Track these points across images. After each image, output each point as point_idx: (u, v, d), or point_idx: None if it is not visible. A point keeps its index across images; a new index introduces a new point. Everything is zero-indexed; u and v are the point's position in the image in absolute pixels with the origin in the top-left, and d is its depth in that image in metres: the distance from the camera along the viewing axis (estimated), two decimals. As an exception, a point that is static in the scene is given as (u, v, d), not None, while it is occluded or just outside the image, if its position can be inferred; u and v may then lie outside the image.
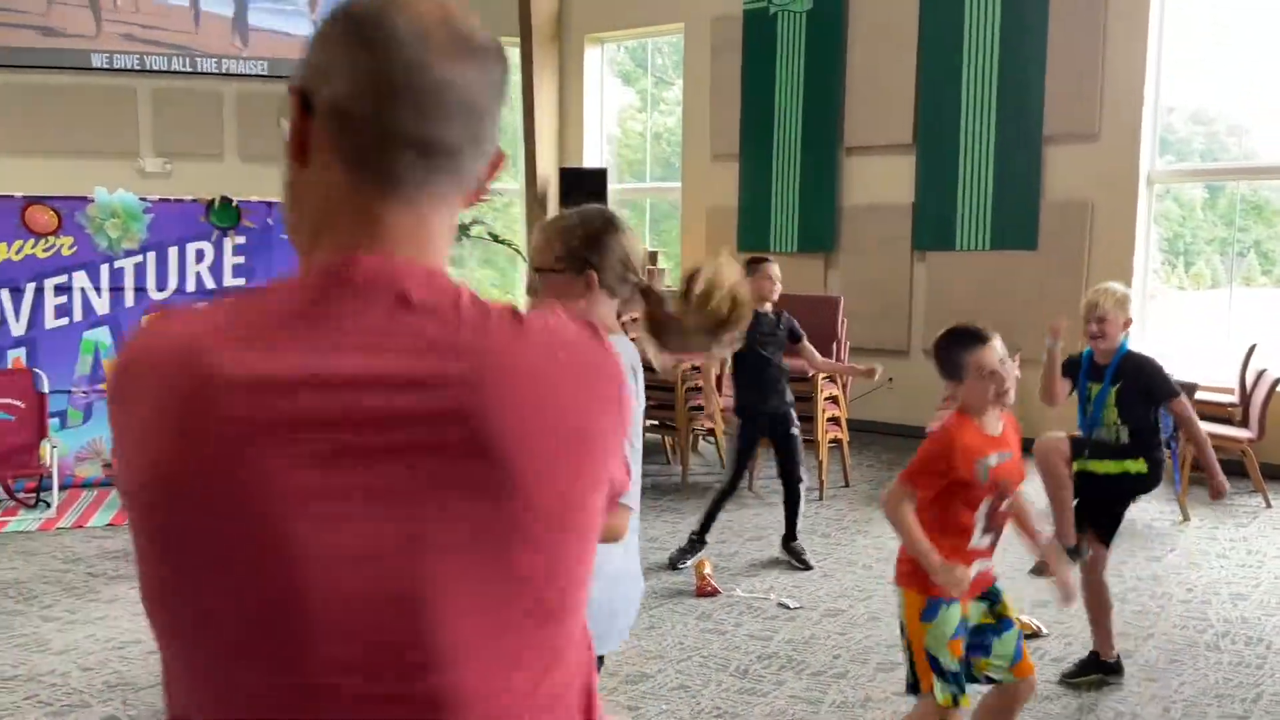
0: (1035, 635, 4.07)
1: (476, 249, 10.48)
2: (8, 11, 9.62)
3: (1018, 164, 7.60)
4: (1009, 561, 5.06)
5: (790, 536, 4.99)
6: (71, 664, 3.78)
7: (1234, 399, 6.50)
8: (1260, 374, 6.34)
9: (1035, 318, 7.32)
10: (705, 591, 4.52)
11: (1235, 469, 6.11)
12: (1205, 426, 5.94)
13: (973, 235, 7.79)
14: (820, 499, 6.16)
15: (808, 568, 4.88)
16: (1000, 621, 2.75)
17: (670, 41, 10.33)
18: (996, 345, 2.67)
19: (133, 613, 4.29)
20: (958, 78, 7.79)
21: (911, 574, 2.69)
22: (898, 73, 8.05)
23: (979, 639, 2.74)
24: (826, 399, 6.32)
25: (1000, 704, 2.81)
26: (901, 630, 2.76)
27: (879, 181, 8.18)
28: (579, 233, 2.05)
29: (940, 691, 2.64)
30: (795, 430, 5.00)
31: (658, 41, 10.43)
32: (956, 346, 2.69)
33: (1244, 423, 6.31)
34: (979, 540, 2.68)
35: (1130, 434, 3.64)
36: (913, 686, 2.74)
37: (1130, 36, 7.23)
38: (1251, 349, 6.55)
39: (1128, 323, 3.68)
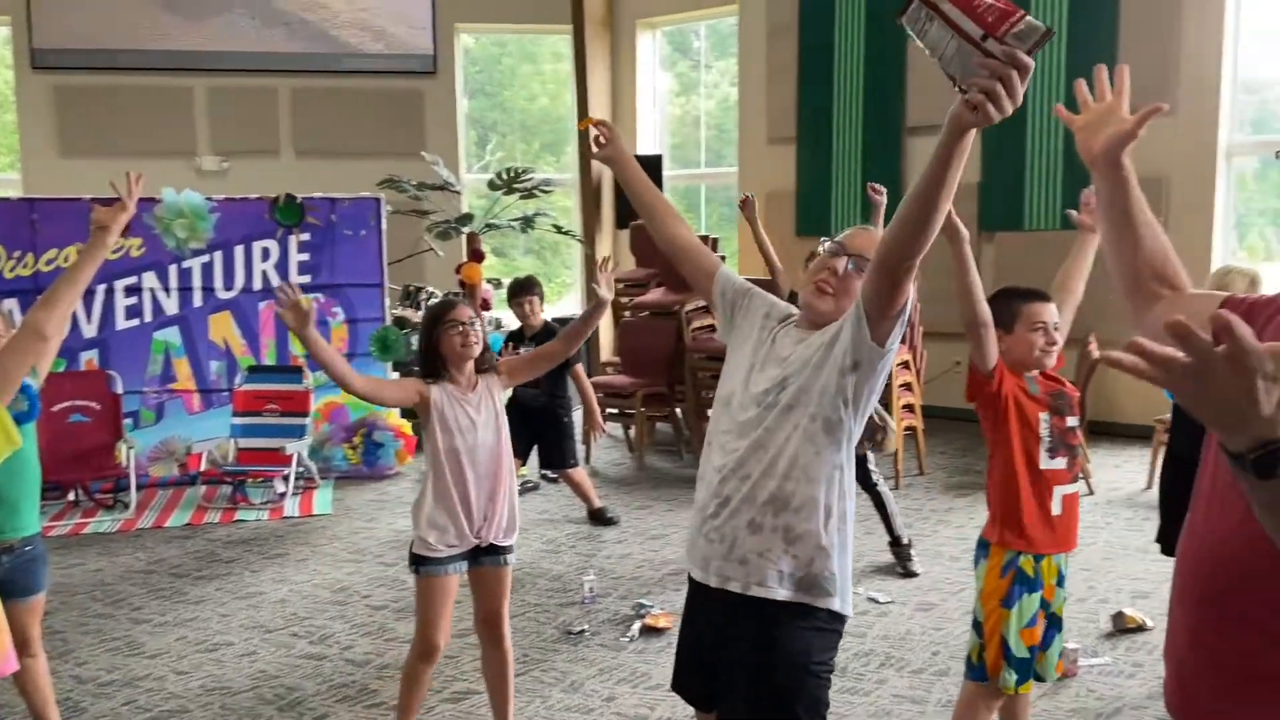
0: (1140, 629, 3.95)
1: (521, 240, 10.44)
2: (65, 11, 9.70)
3: (1089, 140, 7.38)
4: (1107, 544, 4.93)
5: (891, 540, 4.77)
6: (166, 668, 3.78)
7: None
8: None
9: (1110, 297, 7.16)
10: None
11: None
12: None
13: (1043, 214, 7.60)
14: (897, 488, 6.05)
15: (907, 575, 4.67)
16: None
17: (710, 25, 10.19)
18: (1052, 307, 2.65)
19: (221, 614, 4.30)
20: (1025, 53, 7.58)
21: (993, 525, 2.67)
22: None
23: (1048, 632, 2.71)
24: (901, 385, 6.19)
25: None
26: (976, 615, 2.71)
27: (944, 161, 8.00)
28: None
29: (1005, 677, 2.63)
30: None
31: (697, 25, 10.30)
32: (1013, 298, 2.67)
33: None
34: (1050, 461, 2.62)
35: None
36: (976, 670, 2.69)
37: (1205, 5, 6.99)
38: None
39: None
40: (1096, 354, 6.02)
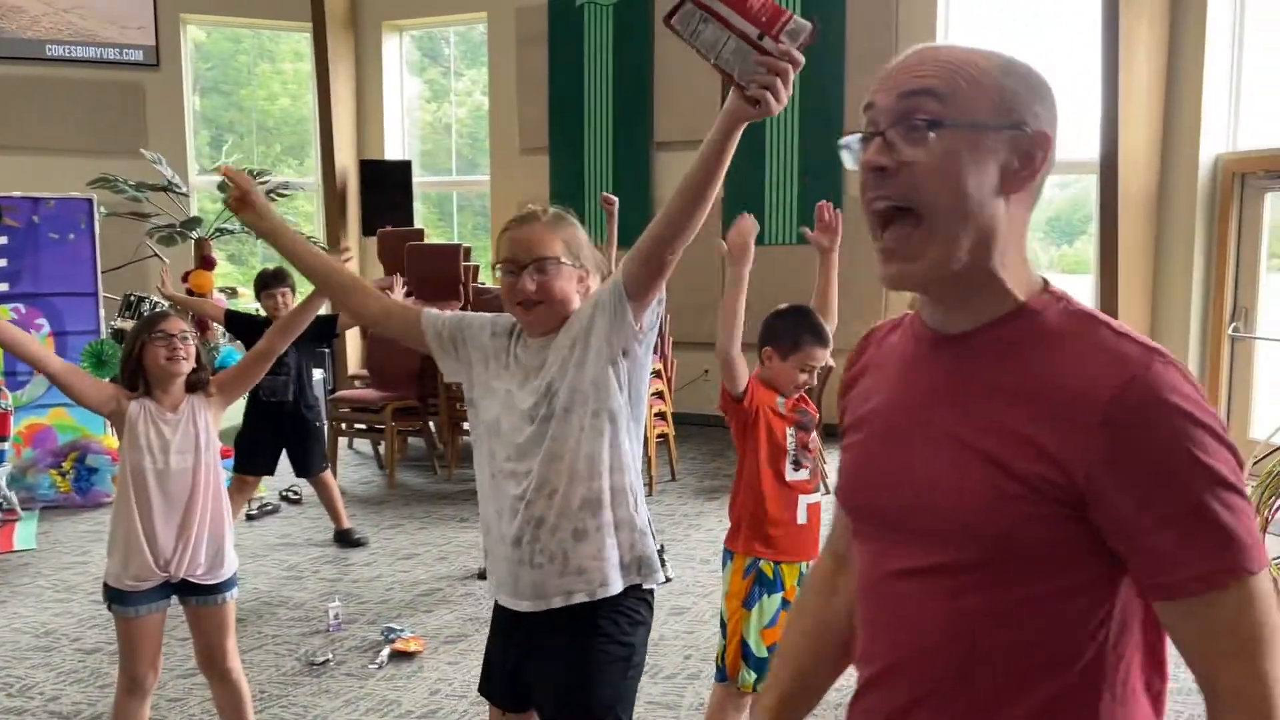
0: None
1: (260, 247, 9.86)
2: None
3: (821, 161, 7.86)
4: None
5: None
6: None
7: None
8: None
9: (842, 310, 7.64)
10: None
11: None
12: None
13: (781, 231, 8.00)
14: (650, 494, 6.16)
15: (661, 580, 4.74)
16: None
17: (460, 31, 10.07)
18: (827, 353, 2.77)
19: (-108, 673, 3.72)
20: (762, 75, 7.97)
21: (738, 535, 2.76)
22: (704, 70, 8.14)
23: None
24: (653, 394, 6.31)
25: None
26: (722, 616, 2.79)
27: (689, 176, 8.26)
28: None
29: (744, 676, 2.72)
30: None
31: (447, 31, 10.15)
32: (803, 332, 2.74)
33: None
34: (794, 474, 2.75)
35: None
36: (721, 671, 2.78)
37: (920, 38, 7.64)
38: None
39: None
40: (830, 362, 6.40)
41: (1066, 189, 9.36)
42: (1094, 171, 7.04)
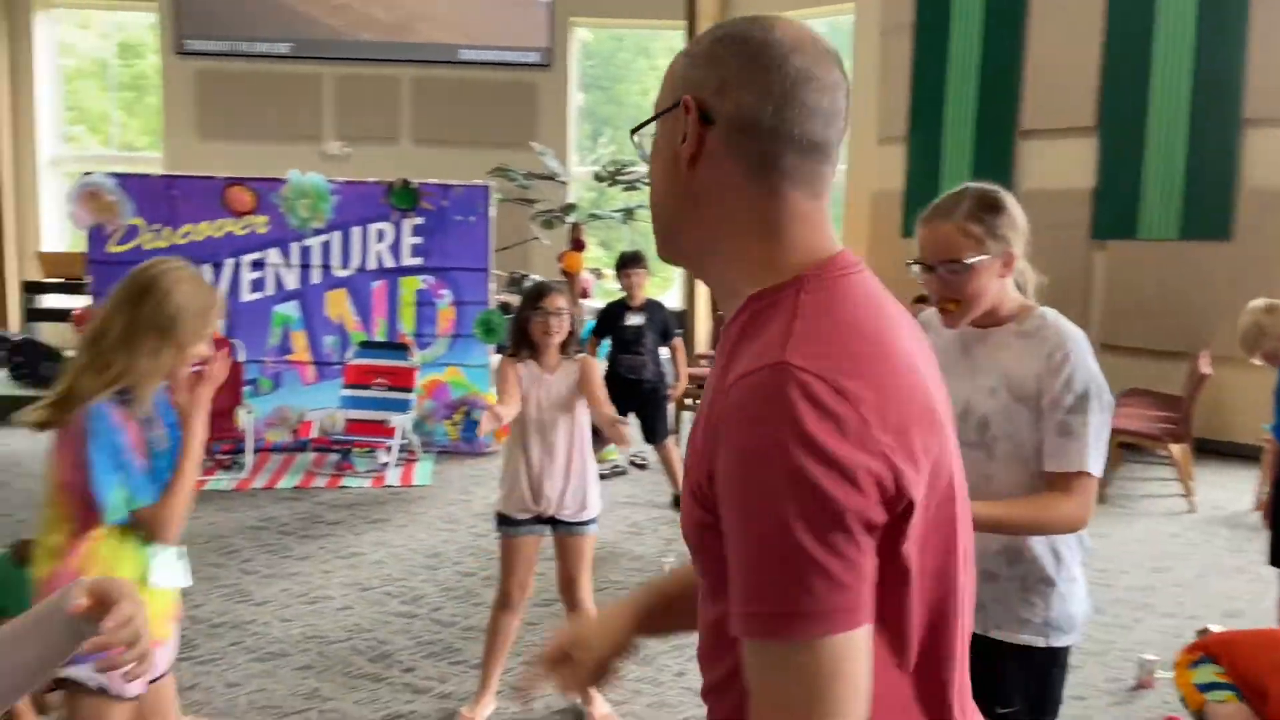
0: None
1: (625, 233, 10.60)
2: (203, 14, 10.28)
3: (1212, 148, 7.14)
4: (1202, 563, 4.80)
5: None
6: (271, 615, 4.06)
7: None
8: None
9: (1227, 312, 6.90)
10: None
11: None
12: None
13: (1159, 223, 7.37)
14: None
15: None
16: None
17: (827, 22, 10.16)
18: None
19: (323, 570, 4.58)
20: (1147, 56, 7.37)
21: None
22: (1081, 52, 7.68)
23: None
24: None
25: None
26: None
27: (1056, 165, 7.84)
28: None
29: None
30: None
31: (814, 23, 10.28)
32: None
33: None
34: None
35: None
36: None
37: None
38: None
39: None
40: (1207, 370, 5.86)
41: None
42: None
